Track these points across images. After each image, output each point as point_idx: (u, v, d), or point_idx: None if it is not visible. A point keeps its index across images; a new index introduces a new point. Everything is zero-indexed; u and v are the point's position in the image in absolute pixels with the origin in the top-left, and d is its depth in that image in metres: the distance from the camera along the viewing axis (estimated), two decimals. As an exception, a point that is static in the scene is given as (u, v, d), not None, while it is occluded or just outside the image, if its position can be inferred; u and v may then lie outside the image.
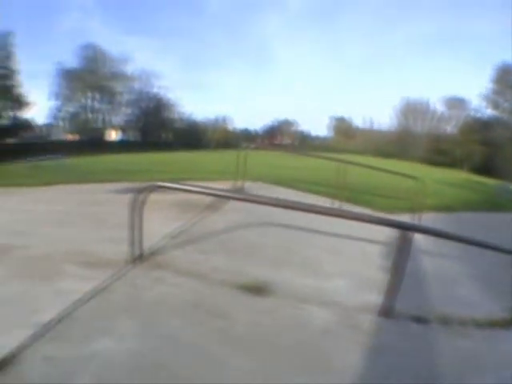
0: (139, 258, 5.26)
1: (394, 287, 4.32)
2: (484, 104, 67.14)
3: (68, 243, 6.37)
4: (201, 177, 14.45)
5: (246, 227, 7.21)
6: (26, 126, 56.30)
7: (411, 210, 10.51)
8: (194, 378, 3.04)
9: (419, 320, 4.38)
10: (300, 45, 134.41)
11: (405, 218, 8.44)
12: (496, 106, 65.18)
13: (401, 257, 4.27)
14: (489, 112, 67.10)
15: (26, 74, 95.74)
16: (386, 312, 4.35)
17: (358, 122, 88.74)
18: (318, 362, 3.39)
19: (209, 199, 8.48)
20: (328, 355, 3.49)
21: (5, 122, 52.00)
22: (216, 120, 78.71)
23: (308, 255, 6.21)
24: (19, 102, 52.33)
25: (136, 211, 5.08)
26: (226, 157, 29.04)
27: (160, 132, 71.27)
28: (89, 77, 61.35)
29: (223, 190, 5.78)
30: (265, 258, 5.83)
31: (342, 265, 5.98)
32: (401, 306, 4.40)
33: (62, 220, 8.41)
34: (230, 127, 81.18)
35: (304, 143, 79.52)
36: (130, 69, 65.16)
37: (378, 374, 3.33)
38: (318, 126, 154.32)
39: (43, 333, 3.52)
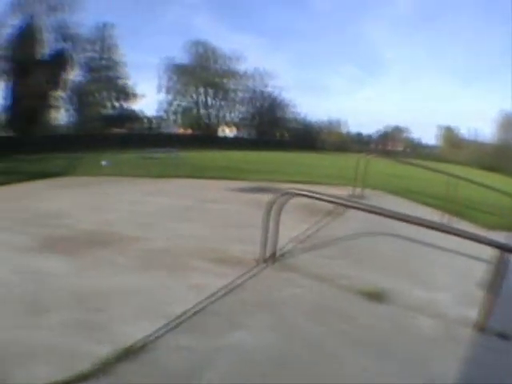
0: (270, 258, 5.75)
1: (489, 305, 4.44)
2: None
3: (194, 239, 6.96)
4: (319, 181, 14.70)
5: (364, 235, 7.52)
6: (134, 117, 58.42)
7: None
8: (316, 372, 3.35)
9: (509, 337, 4.48)
10: (408, 50, 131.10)
11: (505, 236, 8.49)
12: None
13: (497, 276, 4.36)
14: None
15: (132, 67, 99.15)
16: (481, 327, 4.46)
17: (464, 132, 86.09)
18: (421, 367, 3.60)
19: (327, 206, 8.65)
20: (430, 362, 3.69)
21: (110, 112, 54.47)
22: (329, 122, 78.44)
23: (418, 266, 6.42)
24: (125, 93, 54.71)
25: (271, 215, 5.68)
26: (341, 161, 28.87)
27: (274, 131, 72.00)
28: (201, 73, 63.26)
29: (355, 202, 6.07)
30: (381, 266, 6.12)
31: (446, 278, 6.11)
32: (494, 323, 4.50)
33: (184, 215, 9.10)
34: (343, 130, 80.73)
35: (414, 151, 77.41)
36: (242, 67, 66.55)
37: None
38: (425, 134, 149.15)
39: (177, 324, 3.96)
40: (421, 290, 5.34)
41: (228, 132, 68.74)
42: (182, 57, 63.75)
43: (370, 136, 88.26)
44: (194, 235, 7.28)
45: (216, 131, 65.55)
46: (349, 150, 62.58)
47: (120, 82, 54.00)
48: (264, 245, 5.75)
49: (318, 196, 5.40)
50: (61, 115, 51.77)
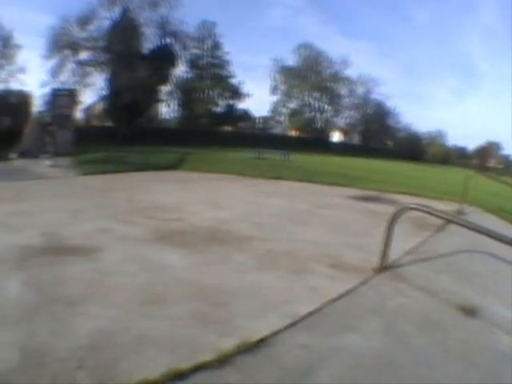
0: (385, 268, 6.08)
1: None
2: None
3: (311, 243, 7.26)
4: (425, 194, 14.74)
5: (465, 252, 7.60)
6: (243, 116, 58.77)
7: None
8: (416, 376, 3.56)
9: None
10: (500, 64, 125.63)
11: None
12: None
13: None
14: None
15: (236, 66, 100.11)
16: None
17: None
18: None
19: (434, 220, 8.59)
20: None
21: (218, 109, 54.96)
22: (432, 133, 76.60)
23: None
24: (234, 92, 55.08)
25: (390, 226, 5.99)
26: (444, 174, 28.17)
27: (380, 138, 71.47)
28: (311, 76, 63.85)
29: (469, 222, 6.13)
30: (479, 284, 6.16)
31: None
32: None
33: (299, 218, 9.42)
34: (445, 142, 78.49)
35: (508, 168, 74.48)
36: (350, 72, 66.33)
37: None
38: None
39: (296, 322, 4.24)
40: (507, 309, 5.30)
41: (337, 137, 68.55)
42: (290, 58, 64.50)
43: (469, 150, 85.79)
44: (310, 240, 7.54)
45: (324, 135, 65.39)
46: (450, 162, 61.10)
47: (228, 80, 54.55)
48: (383, 255, 6.08)
49: (435, 213, 5.61)
50: (166, 110, 53.95)
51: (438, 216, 5.66)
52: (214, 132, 50.36)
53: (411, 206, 5.97)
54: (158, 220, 8.37)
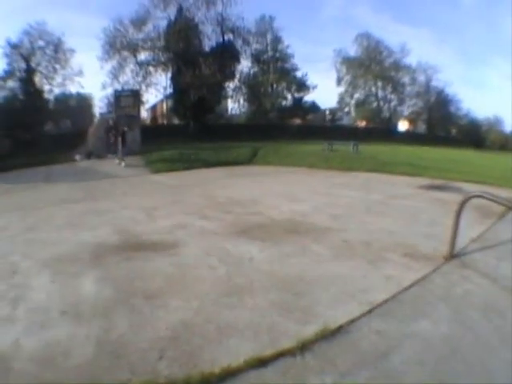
0: (455, 256, 6.22)
1: None
2: None
3: (385, 233, 7.47)
4: (490, 182, 14.36)
5: None
6: (312, 108, 59.16)
7: None
8: (481, 361, 3.63)
9: None
10: None
11: None
12: None
13: None
14: None
15: (301, 59, 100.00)
16: None
17: None
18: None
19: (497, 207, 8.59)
20: None
21: (286, 103, 55.77)
22: (489, 119, 74.28)
23: None
24: (300, 85, 55.31)
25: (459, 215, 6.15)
26: (506, 161, 27.13)
27: (445, 126, 69.42)
28: (373, 66, 62.90)
29: None
30: None
31: None
32: None
33: (374, 209, 9.62)
34: (502, 128, 75.66)
35: None
36: (409, 61, 64.62)
37: None
38: None
39: (374, 310, 4.43)
40: None
41: (402, 125, 67.45)
42: (350, 49, 63.80)
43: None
44: (384, 229, 7.74)
45: (391, 125, 64.15)
46: (509, 148, 59.25)
47: (293, 73, 54.71)
48: (452, 243, 6.22)
49: (499, 201, 5.64)
50: (233, 106, 54.10)
51: (502, 204, 5.74)
52: (283, 125, 49.97)
53: (477, 194, 6.02)
54: (235, 214, 8.72)
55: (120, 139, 21.16)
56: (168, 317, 4.11)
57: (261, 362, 3.37)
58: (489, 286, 5.32)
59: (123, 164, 19.72)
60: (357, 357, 3.59)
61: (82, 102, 50.09)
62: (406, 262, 6.00)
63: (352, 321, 4.18)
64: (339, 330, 4.00)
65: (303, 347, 3.62)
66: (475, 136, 65.42)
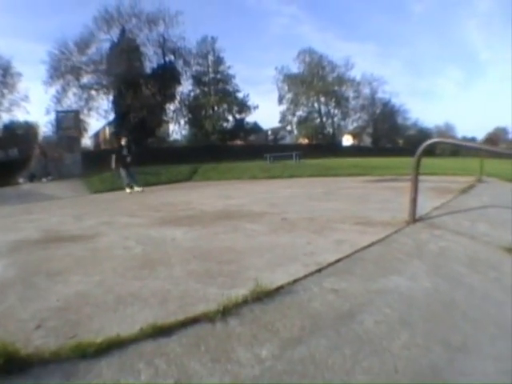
0: (414, 221, 5.56)
1: None
2: None
3: (333, 211, 6.87)
4: (444, 172, 14.45)
5: (493, 206, 7.31)
6: (254, 129, 58.93)
7: None
8: (481, 315, 2.97)
9: None
10: (501, 49, 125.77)
11: None
12: None
13: None
14: None
15: (241, 79, 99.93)
16: None
17: None
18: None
19: (456, 186, 8.87)
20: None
21: (228, 124, 54.92)
22: (440, 127, 76.16)
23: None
24: (241, 106, 54.74)
25: (415, 177, 5.80)
26: (458, 161, 28.15)
27: (391, 138, 70.43)
28: (316, 82, 63.02)
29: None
30: None
31: None
32: None
33: (317, 197, 9.10)
34: (453, 135, 77.97)
35: None
36: (354, 74, 65.24)
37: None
38: None
39: (324, 269, 3.67)
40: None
41: (346, 140, 67.96)
42: (293, 67, 63.97)
43: (475, 139, 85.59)
44: (330, 208, 7.20)
45: (335, 140, 64.57)
46: (461, 154, 61.07)
47: (234, 94, 54.25)
48: (413, 208, 5.62)
49: (461, 143, 5.47)
50: (175, 128, 53.81)
51: (463, 145, 5.23)
52: (225, 147, 49.96)
53: (436, 140, 5.63)
54: (165, 212, 8.32)
55: (56, 162, 21.26)
56: (64, 290, 3.64)
57: (162, 331, 2.67)
58: (468, 242, 4.83)
59: (58, 185, 19.34)
60: (307, 321, 2.80)
61: (29, 130, 49.71)
62: (360, 228, 5.37)
63: (296, 281, 3.43)
64: (278, 290, 3.23)
65: (225, 312, 2.87)
66: (428, 146, 65.74)
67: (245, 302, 2.99)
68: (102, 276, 3.93)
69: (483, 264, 4.06)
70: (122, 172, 15.79)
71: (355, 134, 67.47)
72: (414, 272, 3.69)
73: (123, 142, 17.08)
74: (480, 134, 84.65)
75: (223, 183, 16.84)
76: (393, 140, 70.49)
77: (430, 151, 60.89)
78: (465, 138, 78.09)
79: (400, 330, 2.66)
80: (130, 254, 4.76)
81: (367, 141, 68.25)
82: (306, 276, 3.51)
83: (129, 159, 15.88)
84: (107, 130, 51.28)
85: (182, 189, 15.31)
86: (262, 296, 3.07)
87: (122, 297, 3.33)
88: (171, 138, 55.47)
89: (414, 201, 5.62)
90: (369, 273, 3.65)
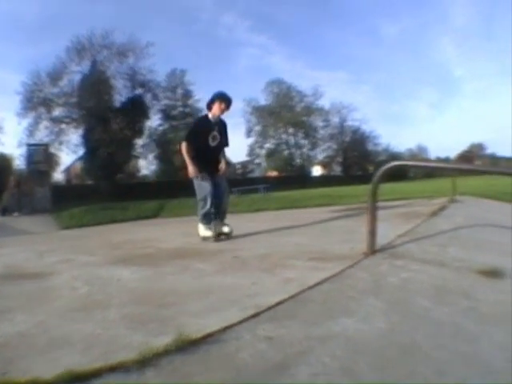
0: (373, 252, 5.23)
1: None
2: None
3: (290, 246, 6.56)
4: (415, 196, 14.86)
5: (466, 227, 7.27)
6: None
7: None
8: (448, 356, 2.60)
9: None
10: (475, 64, 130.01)
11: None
12: None
13: None
14: None
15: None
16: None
17: None
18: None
19: (426, 209, 8.89)
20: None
21: None
22: (412, 150, 77.38)
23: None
24: None
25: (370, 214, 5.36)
26: (431, 183, 28.38)
27: (361, 165, 71.42)
28: (284, 112, 64.06)
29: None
30: (494, 248, 5.79)
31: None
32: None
33: (279, 232, 8.80)
34: (428, 156, 79.16)
35: (496, 165, 76.13)
36: (323, 103, 66.66)
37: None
38: (507, 144, 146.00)
39: (262, 313, 3.37)
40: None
41: (316, 171, 68.30)
42: (262, 98, 65.21)
43: (449, 159, 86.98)
44: (289, 242, 6.95)
45: (304, 171, 65.29)
46: (435, 175, 61.83)
47: None
48: (372, 238, 5.29)
49: (422, 164, 5.23)
50: (144, 164, 54.35)
51: (423, 167, 5.00)
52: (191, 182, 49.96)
53: (394, 163, 5.67)
54: (123, 250, 8.01)
55: (27, 196, 21.78)
56: (8, 328, 3.62)
57: (78, 378, 2.51)
58: (436, 270, 4.58)
59: (30, 220, 19.27)
60: (231, 374, 2.51)
61: (3, 162, 49.63)
62: (313, 264, 5.05)
63: (228, 328, 3.10)
64: (206, 339, 2.94)
65: (144, 361, 2.67)
66: (396, 169, 66.47)
67: (166, 351, 2.74)
68: (45, 316, 3.85)
69: (453, 293, 3.79)
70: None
71: (325, 164, 68.32)
72: (367, 312, 3.32)
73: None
74: (455, 153, 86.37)
75: (189, 219, 16.29)
76: (363, 167, 71.31)
77: (402, 175, 62.11)
78: (438, 159, 79.83)
79: (339, 382, 2.32)
80: (76, 294, 4.66)
81: (337, 170, 68.81)
82: (240, 322, 3.19)
83: None
84: (79, 165, 51.51)
85: (148, 225, 15.01)
86: (187, 345, 2.81)
87: (55, 339, 3.25)
88: (140, 174, 56.07)
89: (372, 230, 5.29)
90: (313, 316, 3.29)
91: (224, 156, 8.40)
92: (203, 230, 7.98)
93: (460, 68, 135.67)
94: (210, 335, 2.94)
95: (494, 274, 4.26)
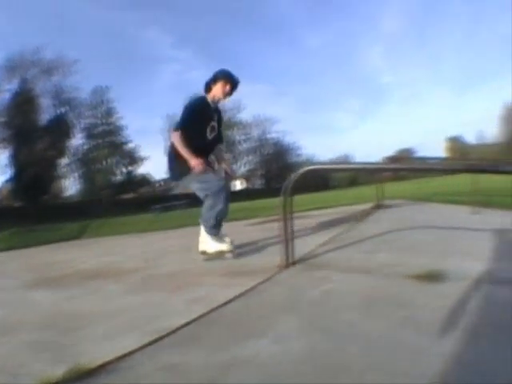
0: (290, 264, 4.96)
1: None
2: None
3: (201, 262, 6.30)
4: (338, 204, 14.90)
5: (394, 231, 7.26)
6: (144, 181, 59.27)
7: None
8: (382, 376, 2.21)
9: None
10: (404, 70, 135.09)
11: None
12: None
13: None
14: None
15: (132, 129, 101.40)
16: None
17: (471, 138, 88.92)
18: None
19: (351, 216, 9.14)
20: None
21: (118, 177, 55.28)
22: (337, 159, 78.83)
23: (462, 245, 5.89)
24: (131, 158, 55.32)
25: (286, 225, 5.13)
26: (356, 190, 28.98)
27: (283, 176, 71.48)
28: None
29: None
30: (425, 251, 5.56)
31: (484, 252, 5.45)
32: None
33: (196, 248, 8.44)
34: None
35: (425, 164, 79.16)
36: (245, 116, 67.28)
37: None
38: (434, 150, 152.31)
39: (164, 338, 3.08)
40: (473, 262, 4.74)
41: (238, 185, 68.40)
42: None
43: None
44: (202, 259, 6.56)
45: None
46: (359, 183, 62.49)
47: (125, 146, 54.81)
48: (288, 249, 5.02)
49: (341, 167, 5.15)
50: (68, 182, 53.55)
51: (348, 169, 4.80)
52: (115, 201, 50.07)
53: (309, 168, 5.46)
54: (41, 272, 7.42)
55: None
56: None
57: None
58: (363, 279, 4.31)
59: None
60: None
61: None
62: (225, 280, 4.83)
63: (127, 355, 2.82)
64: (104, 367, 2.65)
65: None
66: (320, 179, 68.11)
67: (64, 380, 2.51)
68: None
69: (385, 303, 3.46)
70: None
71: (247, 178, 68.27)
72: (282, 331, 2.98)
73: None
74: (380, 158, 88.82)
75: (111, 238, 15.88)
76: (285, 179, 71.62)
77: (324, 184, 62.64)
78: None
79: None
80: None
81: (259, 182, 69.08)
82: (141, 348, 2.89)
83: None
84: (7, 187, 50.08)
85: (71, 247, 13.60)
86: (83, 375, 2.55)
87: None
88: (65, 194, 55.65)
89: (286, 241, 5.01)
90: (220, 339, 2.95)
91: (224, 156, 6.98)
92: (214, 243, 6.14)
93: (388, 75, 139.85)
94: (108, 363, 2.67)
95: (430, 277, 4.05)
